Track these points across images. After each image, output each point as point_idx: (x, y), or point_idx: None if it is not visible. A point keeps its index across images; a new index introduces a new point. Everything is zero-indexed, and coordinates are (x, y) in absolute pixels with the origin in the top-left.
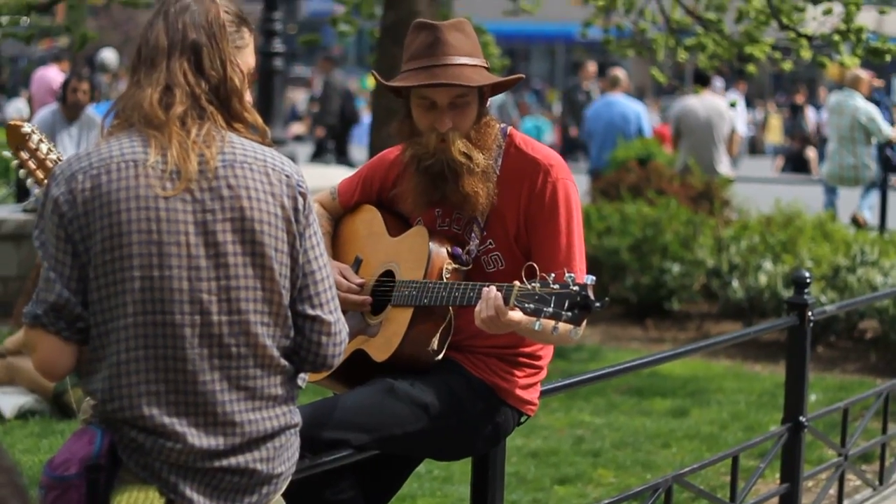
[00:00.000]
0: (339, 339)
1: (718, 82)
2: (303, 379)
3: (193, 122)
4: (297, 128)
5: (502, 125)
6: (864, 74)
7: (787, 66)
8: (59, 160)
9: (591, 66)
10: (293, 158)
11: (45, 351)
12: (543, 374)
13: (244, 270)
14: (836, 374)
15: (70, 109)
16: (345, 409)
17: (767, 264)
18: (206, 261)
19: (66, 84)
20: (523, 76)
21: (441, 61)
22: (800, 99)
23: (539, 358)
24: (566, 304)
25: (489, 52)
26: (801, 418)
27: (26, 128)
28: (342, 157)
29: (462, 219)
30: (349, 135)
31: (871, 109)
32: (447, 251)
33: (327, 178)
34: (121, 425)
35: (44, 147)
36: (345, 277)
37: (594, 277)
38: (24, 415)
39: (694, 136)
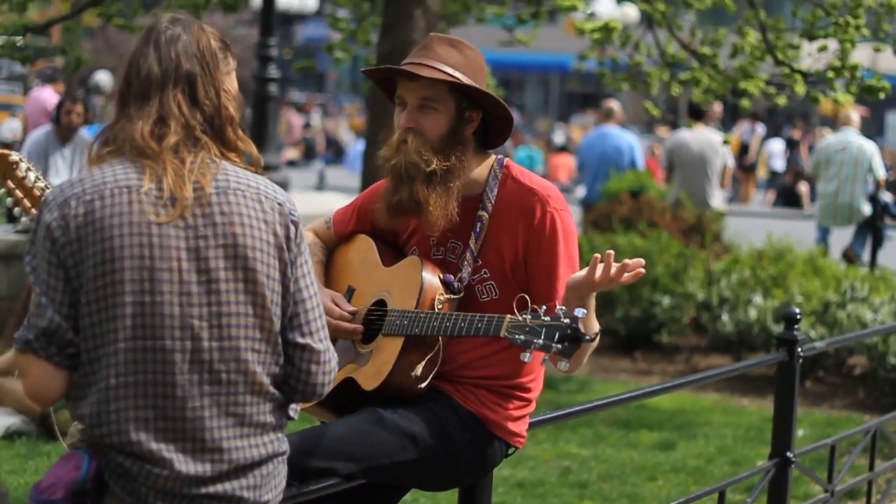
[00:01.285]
0: (329, 368)
1: (760, 128)
2: (294, 409)
3: (188, 152)
4: (291, 153)
5: (499, 157)
6: (855, 113)
7: (781, 101)
8: (47, 188)
9: (717, 107)
10: (285, 184)
11: (35, 376)
12: (532, 406)
13: (236, 297)
14: (824, 410)
15: (63, 131)
16: (333, 438)
17: (758, 298)
18: (198, 287)
19: (60, 106)
20: (512, 116)
21: (418, 61)
22: (797, 134)
23: (529, 391)
24: (556, 337)
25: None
26: (789, 454)
27: (14, 156)
28: None
29: (457, 248)
30: None
31: (873, 147)
32: (440, 279)
33: (325, 204)
34: (108, 450)
35: (31, 176)
36: (337, 305)
37: (585, 311)
38: (10, 436)
39: (686, 169)
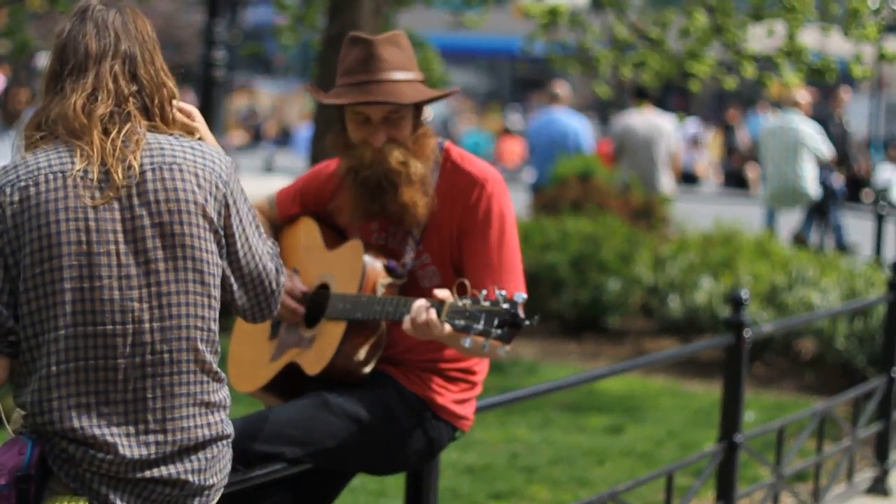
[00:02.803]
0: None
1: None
2: None
3: (114, 126)
4: (238, 137)
5: (439, 140)
6: (805, 96)
7: (730, 83)
8: None
9: (845, 94)
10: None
11: None
12: (478, 389)
13: (175, 275)
14: (772, 393)
15: (9, 115)
16: (278, 423)
17: (706, 282)
18: (137, 268)
19: (6, 91)
20: (458, 89)
21: (375, 77)
22: (732, 118)
23: (474, 374)
24: (496, 322)
25: (432, 66)
26: (737, 437)
27: None
28: None
29: (399, 233)
30: None
31: (813, 129)
32: (382, 265)
33: (273, 188)
34: (52, 436)
35: None
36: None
37: (525, 295)
38: None
39: (635, 154)
